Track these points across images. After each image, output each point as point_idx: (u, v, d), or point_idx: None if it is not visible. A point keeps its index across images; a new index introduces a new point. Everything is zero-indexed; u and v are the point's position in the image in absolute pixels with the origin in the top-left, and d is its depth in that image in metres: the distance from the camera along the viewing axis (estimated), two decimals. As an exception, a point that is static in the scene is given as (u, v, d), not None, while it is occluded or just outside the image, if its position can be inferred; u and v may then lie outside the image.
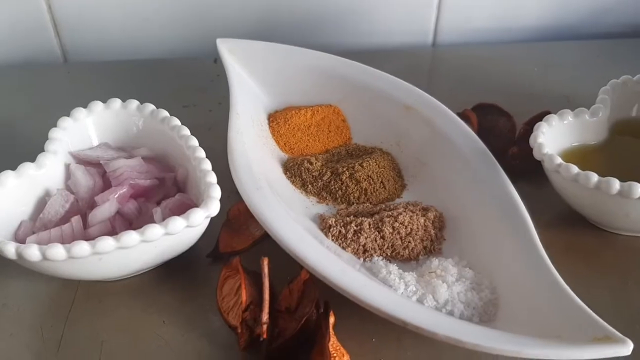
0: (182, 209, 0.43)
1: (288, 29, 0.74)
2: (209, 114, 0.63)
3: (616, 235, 0.49)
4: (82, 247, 0.38)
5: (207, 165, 0.44)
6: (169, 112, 0.50)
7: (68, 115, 0.49)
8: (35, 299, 0.44)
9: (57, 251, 0.38)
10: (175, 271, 0.46)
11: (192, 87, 0.67)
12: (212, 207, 0.41)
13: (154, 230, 0.39)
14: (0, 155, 0.55)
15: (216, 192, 0.42)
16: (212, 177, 0.43)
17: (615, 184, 0.44)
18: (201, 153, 0.45)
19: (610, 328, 0.36)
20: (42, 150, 0.46)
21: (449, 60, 0.74)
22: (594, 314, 0.37)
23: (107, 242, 0.38)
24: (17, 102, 0.66)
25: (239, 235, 0.48)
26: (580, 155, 0.51)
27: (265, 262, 0.40)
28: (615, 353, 0.35)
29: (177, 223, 0.40)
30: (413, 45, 0.77)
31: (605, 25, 0.78)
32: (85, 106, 0.49)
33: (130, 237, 0.39)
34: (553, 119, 0.51)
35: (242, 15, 0.72)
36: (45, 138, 0.48)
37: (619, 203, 0.45)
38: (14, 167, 0.44)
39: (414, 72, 0.71)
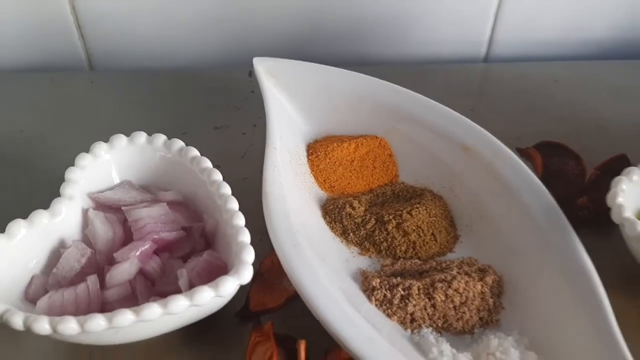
0: (210, 272, 0.38)
1: (330, 34, 0.67)
2: (242, 138, 0.57)
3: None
4: (97, 322, 0.34)
5: (240, 219, 0.39)
6: (199, 134, 0.45)
7: (88, 133, 0.44)
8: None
9: (70, 326, 0.34)
10: (200, 330, 0.41)
11: (224, 104, 0.61)
12: (245, 274, 0.36)
13: (179, 303, 0.35)
14: (14, 176, 0.51)
15: (249, 256, 0.37)
16: (246, 236, 0.38)
17: None
18: (234, 204, 0.40)
19: None
20: (58, 172, 0.42)
21: (502, 78, 0.66)
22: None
23: (125, 317, 0.34)
24: (33, 114, 0.61)
25: (271, 291, 0.43)
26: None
27: (302, 346, 0.35)
28: None
29: (205, 294, 0.35)
30: (461, 57, 0.70)
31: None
32: (107, 121, 0.44)
33: (152, 310, 0.34)
34: (634, 172, 0.44)
35: (280, 24, 0.66)
36: (61, 158, 0.43)
37: None
38: (26, 195, 0.39)
39: (460, 92, 0.64)
